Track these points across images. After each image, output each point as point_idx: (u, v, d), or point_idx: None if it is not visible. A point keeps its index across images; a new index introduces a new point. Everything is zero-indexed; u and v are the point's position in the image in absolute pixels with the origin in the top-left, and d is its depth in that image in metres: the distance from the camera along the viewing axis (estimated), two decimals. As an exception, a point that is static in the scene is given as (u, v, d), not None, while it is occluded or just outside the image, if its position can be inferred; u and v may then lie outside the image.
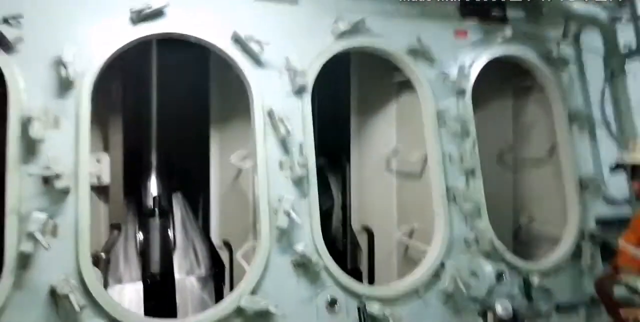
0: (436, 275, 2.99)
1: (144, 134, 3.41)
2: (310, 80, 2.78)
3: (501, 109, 4.16)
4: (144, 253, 3.26)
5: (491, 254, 3.14)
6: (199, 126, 3.49)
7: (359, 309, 2.73)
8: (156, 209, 3.33)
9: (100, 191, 3.10)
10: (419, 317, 2.93)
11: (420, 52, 3.13)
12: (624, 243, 2.97)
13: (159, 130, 3.40)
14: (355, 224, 4.00)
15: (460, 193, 3.12)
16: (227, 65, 2.76)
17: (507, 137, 4.19)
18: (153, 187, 3.41)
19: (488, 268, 3.00)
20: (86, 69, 2.34)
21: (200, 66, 3.42)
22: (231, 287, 3.33)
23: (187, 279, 3.32)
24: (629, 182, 2.90)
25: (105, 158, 2.99)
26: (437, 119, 3.17)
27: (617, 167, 3.01)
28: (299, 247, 2.60)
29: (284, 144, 2.68)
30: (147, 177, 3.42)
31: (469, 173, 3.19)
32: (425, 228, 3.44)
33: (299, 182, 2.69)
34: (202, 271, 3.38)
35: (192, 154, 3.62)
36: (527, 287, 3.21)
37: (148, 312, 2.99)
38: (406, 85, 3.33)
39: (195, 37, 2.57)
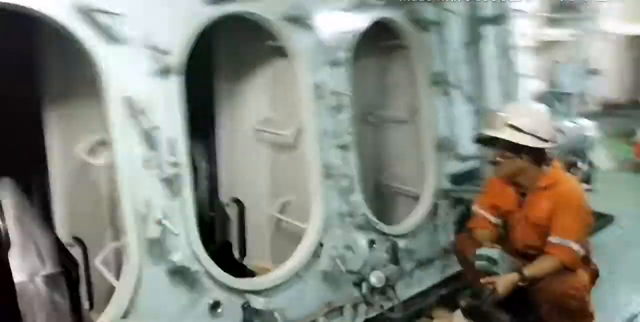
0: (315, 255, 2.98)
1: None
2: (178, 58, 2.30)
3: (365, 68, 4.09)
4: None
5: (364, 226, 3.22)
6: (30, 106, 2.77)
7: (243, 307, 2.61)
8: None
9: None
10: (300, 299, 2.93)
11: (297, 19, 2.80)
12: (477, 208, 3.27)
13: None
14: (225, 196, 3.75)
15: (336, 170, 3.04)
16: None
17: (371, 97, 4.20)
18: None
19: (362, 242, 3.07)
20: None
21: (31, 35, 2.64)
22: (89, 292, 2.94)
23: (30, 283, 2.75)
24: (487, 156, 3.11)
25: None
26: (313, 92, 2.96)
27: (478, 141, 3.19)
28: (176, 257, 2.30)
29: (149, 139, 2.23)
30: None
31: (344, 148, 3.12)
32: (299, 201, 3.35)
33: (169, 182, 2.32)
34: (49, 268, 2.78)
35: (21, 137, 2.91)
36: (394, 251, 3.41)
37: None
38: (281, 51, 2.98)
39: (22, 6, 1.88)
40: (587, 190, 4.08)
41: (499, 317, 2.84)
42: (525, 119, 2.86)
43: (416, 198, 4.03)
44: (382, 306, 3.16)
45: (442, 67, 3.85)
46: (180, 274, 2.38)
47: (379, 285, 3.08)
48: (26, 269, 2.73)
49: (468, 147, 4.06)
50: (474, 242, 3.14)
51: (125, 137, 2.19)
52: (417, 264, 3.62)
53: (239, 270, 3.64)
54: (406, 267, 3.50)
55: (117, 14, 2.04)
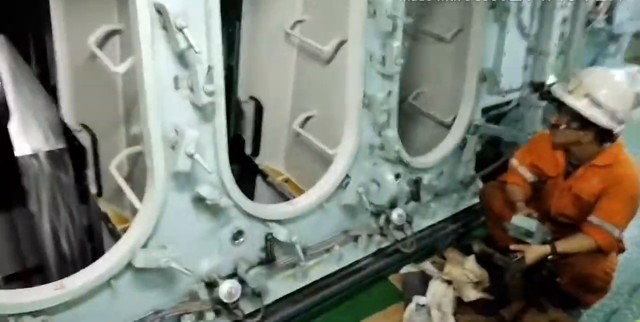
0: (341, 186, 2.89)
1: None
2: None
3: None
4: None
5: (393, 161, 3.08)
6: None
7: (266, 239, 2.58)
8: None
9: None
10: (318, 227, 2.92)
11: None
12: (515, 162, 3.10)
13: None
14: (242, 94, 3.49)
15: (378, 102, 2.78)
16: None
17: (413, 5, 3.73)
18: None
19: (390, 177, 2.94)
20: None
21: None
22: (97, 180, 2.88)
23: (33, 158, 2.47)
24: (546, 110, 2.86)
25: None
26: (367, 6, 2.56)
27: (546, 95, 2.91)
28: (204, 191, 2.16)
29: (181, 57, 1.94)
30: None
31: (390, 79, 2.83)
32: (322, 117, 3.19)
33: (203, 109, 2.08)
34: (52, 144, 2.54)
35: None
36: (417, 187, 3.33)
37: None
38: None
39: None
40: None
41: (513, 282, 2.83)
42: (609, 93, 2.54)
43: (441, 124, 3.86)
44: (396, 240, 3.19)
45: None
46: (205, 203, 2.26)
47: (399, 223, 3.06)
48: (29, 143, 2.50)
49: (512, 84, 3.79)
50: (503, 195, 3.06)
51: (155, 52, 1.89)
52: (433, 196, 3.59)
53: (250, 166, 3.65)
54: (424, 199, 3.47)
55: None
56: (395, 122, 2.99)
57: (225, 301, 2.30)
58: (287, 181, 3.60)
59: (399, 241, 3.17)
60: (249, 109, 3.55)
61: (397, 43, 2.68)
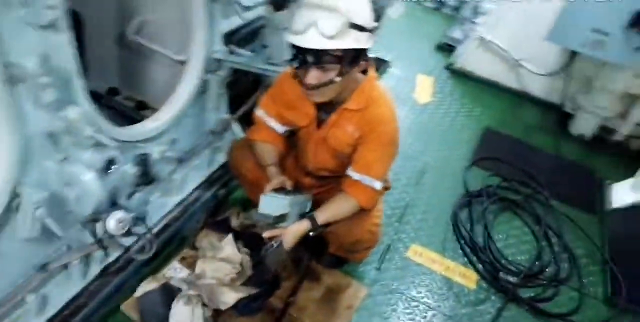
0: (8, 211, 1.79)
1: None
2: None
3: None
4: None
5: (96, 143, 2.03)
6: None
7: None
8: None
9: None
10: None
11: None
12: (261, 113, 2.39)
13: None
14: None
15: (31, 70, 1.62)
16: None
17: None
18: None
19: (88, 177, 1.94)
20: None
21: None
22: None
23: None
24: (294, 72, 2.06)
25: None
26: None
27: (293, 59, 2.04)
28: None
29: None
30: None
31: (49, 28, 1.65)
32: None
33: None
34: None
35: None
36: (145, 164, 2.40)
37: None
38: None
39: None
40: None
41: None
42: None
43: (177, 62, 2.88)
44: (125, 247, 2.31)
45: None
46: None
47: (118, 232, 2.13)
48: None
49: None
50: (253, 155, 2.38)
51: None
52: (176, 165, 2.71)
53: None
54: (161, 176, 2.59)
55: None
56: (81, 92, 1.89)
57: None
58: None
59: (128, 248, 2.30)
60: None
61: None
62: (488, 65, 5.25)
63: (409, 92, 4.94)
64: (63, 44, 1.71)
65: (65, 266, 2.13)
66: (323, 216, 2.17)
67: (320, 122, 2.25)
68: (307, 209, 2.31)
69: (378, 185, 2.20)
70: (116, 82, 3.32)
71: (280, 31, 2.74)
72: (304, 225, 2.14)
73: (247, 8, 2.83)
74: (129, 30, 2.83)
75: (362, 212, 2.26)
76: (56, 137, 1.88)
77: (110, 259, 2.33)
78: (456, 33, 6.01)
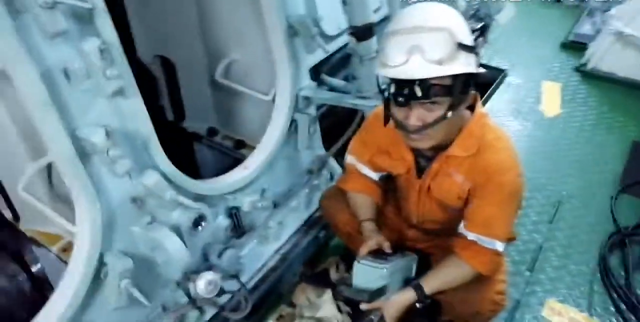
0: (96, 279, 1.78)
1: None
2: None
3: None
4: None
5: (181, 203, 1.95)
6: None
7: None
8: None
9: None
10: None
11: None
12: (353, 160, 2.15)
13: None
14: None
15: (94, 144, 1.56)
16: None
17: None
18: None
19: (172, 244, 1.85)
20: None
21: None
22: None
23: None
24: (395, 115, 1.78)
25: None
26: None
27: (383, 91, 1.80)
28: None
29: None
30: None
31: (118, 94, 1.61)
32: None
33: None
34: None
35: None
36: (238, 218, 2.30)
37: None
38: None
39: None
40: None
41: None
42: (434, 20, 1.53)
43: (263, 103, 2.78)
44: (220, 306, 2.21)
45: None
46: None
47: (208, 294, 2.04)
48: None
49: (340, 24, 2.66)
50: (348, 205, 2.15)
51: None
52: (271, 211, 2.59)
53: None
54: (256, 221, 2.48)
55: None
56: (159, 154, 1.83)
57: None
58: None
59: (223, 307, 2.20)
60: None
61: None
62: (630, 64, 4.45)
63: (532, 103, 4.36)
64: (135, 110, 1.66)
65: (158, 330, 2.09)
66: (432, 284, 1.84)
67: (420, 170, 1.93)
68: (413, 273, 1.98)
69: (500, 246, 1.81)
70: (214, 121, 3.32)
71: (367, 62, 2.51)
72: (408, 296, 1.83)
73: (331, 38, 2.64)
74: (217, 73, 2.80)
75: (482, 277, 1.88)
76: (141, 201, 1.83)
77: (207, 316, 2.25)
78: (585, 28, 5.26)
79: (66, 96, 1.43)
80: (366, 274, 1.83)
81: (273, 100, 2.67)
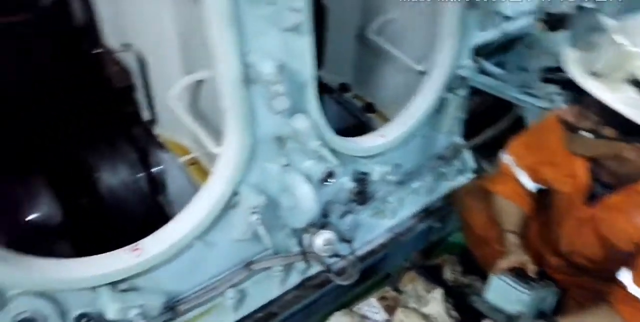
0: (228, 207, 1.81)
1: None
2: None
3: None
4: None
5: (318, 153, 1.93)
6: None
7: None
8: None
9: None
10: (192, 271, 1.90)
11: None
12: (510, 161, 1.96)
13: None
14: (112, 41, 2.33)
15: (260, 74, 1.54)
16: None
17: None
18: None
19: (304, 190, 1.84)
20: None
21: None
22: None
23: None
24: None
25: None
26: None
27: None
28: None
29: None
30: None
31: (293, 30, 1.59)
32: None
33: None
34: None
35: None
36: (363, 185, 2.24)
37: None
38: None
39: None
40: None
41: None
42: None
43: (410, 71, 2.65)
44: (327, 266, 2.17)
45: None
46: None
47: (323, 253, 2.00)
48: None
49: (520, 5, 2.47)
50: (489, 208, 1.97)
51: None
52: (394, 188, 2.49)
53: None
54: (378, 193, 2.40)
55: None
56: (312, 100, 1.81)
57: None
58: (193, 163, 2.52)
59: (329, 268, 2.15)
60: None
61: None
62: None
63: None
64: (304, 49, 1.63)
65: (267, 268, 2.10)
66: None
67: (592, 196, 1.70)
68: (552, 307, 1.77)
69: None
70: (349, 77, 3.14)
71: (549, 56, 2.29)
72: None
73: (508, 18, 2.45)
74: (370, 29, 2.68)
75: None
76: (283, 141, 1.83)
77: (311, 272, 2.23)
78: None
79: (246, 19, 1.42)
80: (504, 292, 1.68)
81: (420, 73, 2.55)
